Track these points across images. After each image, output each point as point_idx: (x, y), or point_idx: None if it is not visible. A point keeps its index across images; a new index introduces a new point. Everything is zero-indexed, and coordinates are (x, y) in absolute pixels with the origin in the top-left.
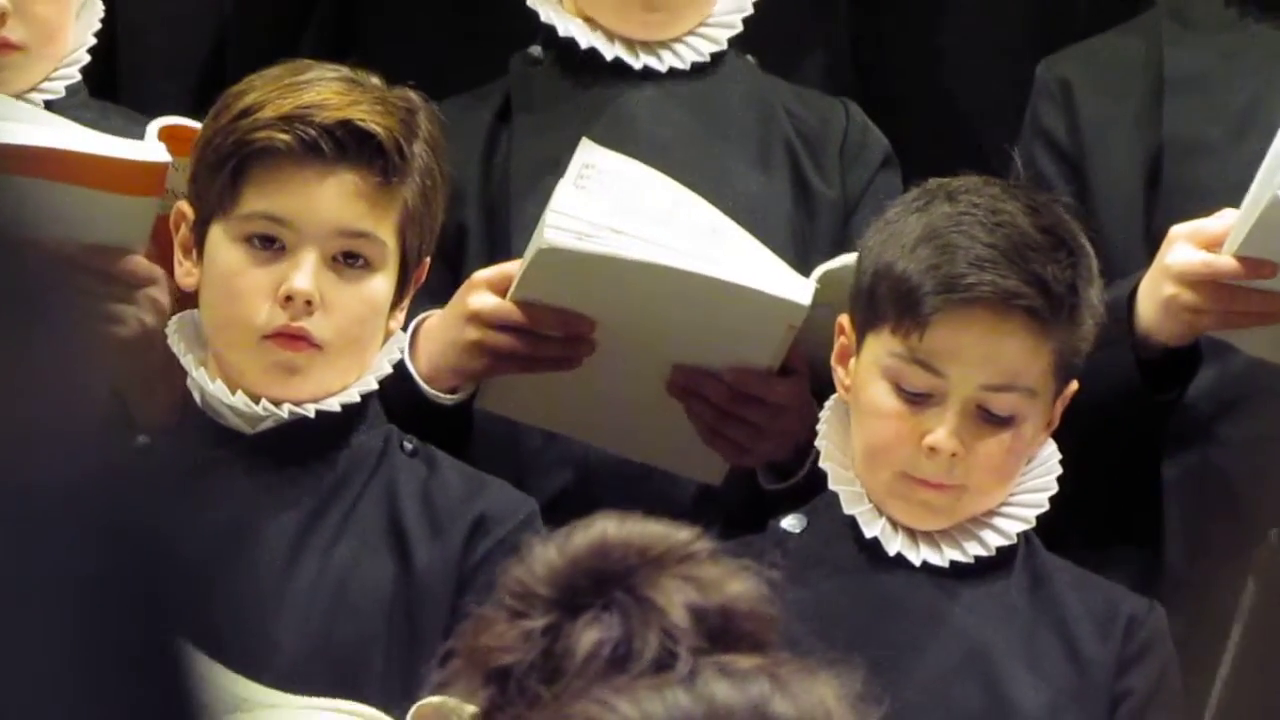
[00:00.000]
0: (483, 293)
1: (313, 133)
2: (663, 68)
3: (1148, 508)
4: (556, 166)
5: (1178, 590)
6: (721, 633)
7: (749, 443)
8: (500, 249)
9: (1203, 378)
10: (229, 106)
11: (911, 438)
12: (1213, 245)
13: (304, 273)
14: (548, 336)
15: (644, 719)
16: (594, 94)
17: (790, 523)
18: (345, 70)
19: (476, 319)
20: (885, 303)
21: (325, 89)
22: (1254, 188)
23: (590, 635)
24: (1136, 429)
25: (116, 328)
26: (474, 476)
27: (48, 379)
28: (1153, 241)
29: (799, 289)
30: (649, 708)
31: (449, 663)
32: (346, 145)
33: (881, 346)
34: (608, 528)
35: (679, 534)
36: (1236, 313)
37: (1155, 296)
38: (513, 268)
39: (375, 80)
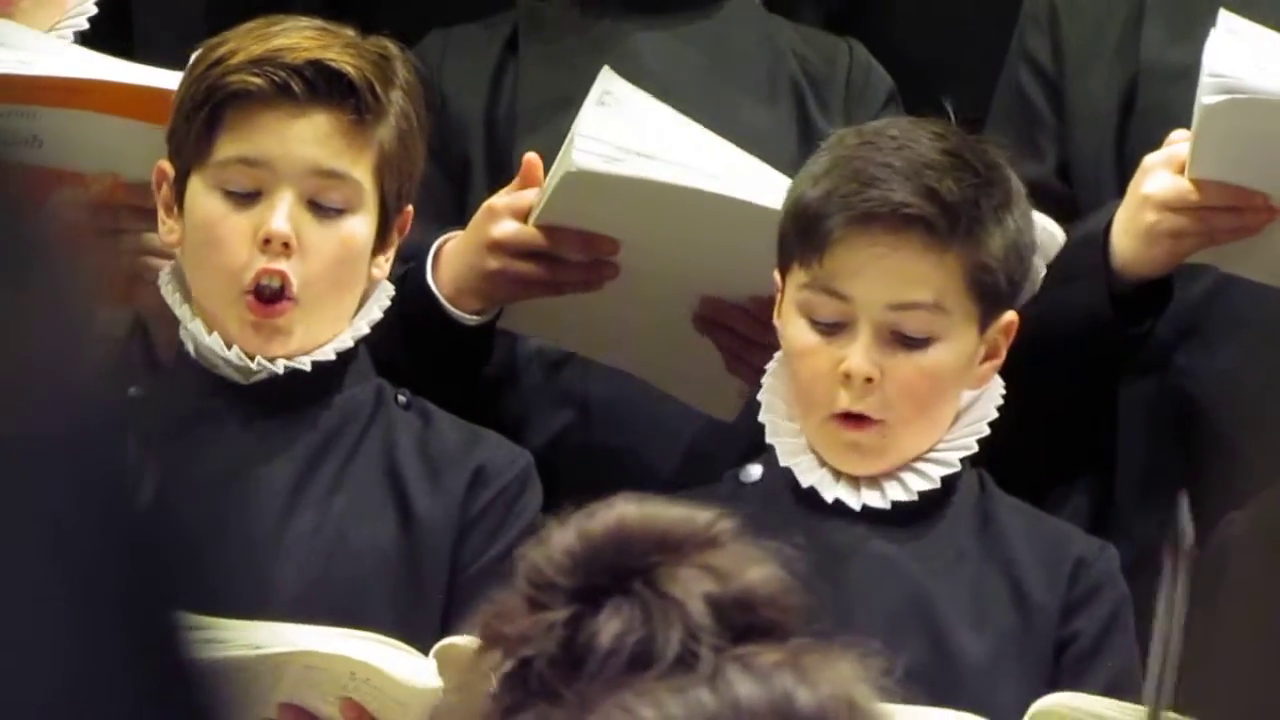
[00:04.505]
0: (504, 220)
1: (283, 74)
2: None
3: (1102, 443)
4: (564, 101)
5: (1128, 520)
6: (742, 624)
7: None
8: (503, 181)
9: None
10: (203, 58)
11: (830, 370)
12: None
13: (280, 214)
14: (571, 260)
15: None
16: (603, 28)
17: (748, 472)
18: (319, 21)
19: (498, 248)
20: (793, 237)
21: (297, 34)
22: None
23: (610, 630)
24: (1103, 364)
25: (154, 260)
26: (469, 429)
27: (43, 327)
28: (1124, 165)
29: None
30: (672, 711)
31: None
32: (317, 85)
33: (794, 283)
34: (626, 513)
35: (698, 518)
36: (1218, 230)
37: (1135, 226)
38: (531, 194)
39: (350, 31)
